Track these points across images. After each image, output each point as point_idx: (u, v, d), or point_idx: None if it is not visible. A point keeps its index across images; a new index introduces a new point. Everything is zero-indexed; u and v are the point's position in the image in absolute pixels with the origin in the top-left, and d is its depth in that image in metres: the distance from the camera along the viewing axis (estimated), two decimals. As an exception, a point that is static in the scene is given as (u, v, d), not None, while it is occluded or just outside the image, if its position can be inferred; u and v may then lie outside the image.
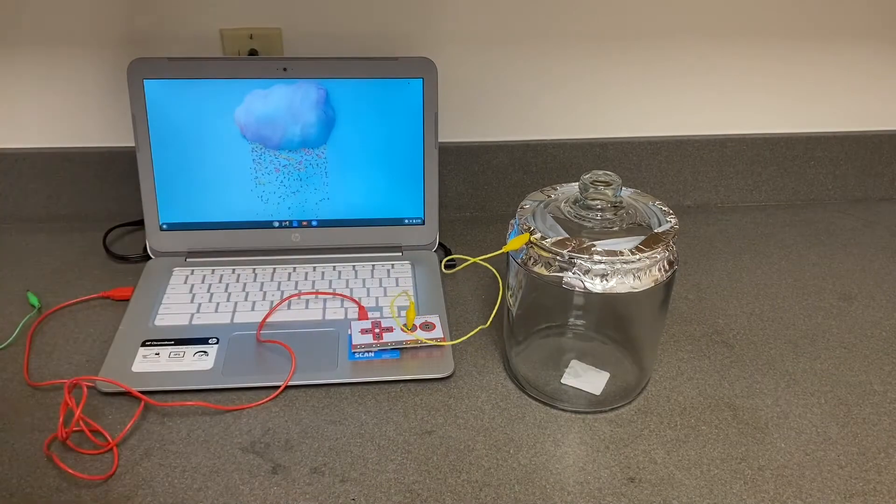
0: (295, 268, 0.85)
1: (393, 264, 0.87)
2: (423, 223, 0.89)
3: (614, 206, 0.65)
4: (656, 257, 0.61)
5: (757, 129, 1.04)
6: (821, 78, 1.02)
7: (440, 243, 0.92)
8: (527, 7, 0.92)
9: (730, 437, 0.65)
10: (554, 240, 0.61)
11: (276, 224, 0.87)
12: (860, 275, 0.91)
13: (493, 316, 0.79)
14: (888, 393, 0.71)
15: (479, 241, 0.95)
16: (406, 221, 0.89)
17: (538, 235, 0.62)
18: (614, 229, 0.64)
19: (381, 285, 0.83)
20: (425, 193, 0.88)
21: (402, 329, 0.74)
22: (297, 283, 0.83)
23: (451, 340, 0.75)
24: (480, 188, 1.02)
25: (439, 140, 0.87)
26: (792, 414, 0.68)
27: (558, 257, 0.61)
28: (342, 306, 0.79)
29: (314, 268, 0.86)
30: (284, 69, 0.82)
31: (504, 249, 0.65)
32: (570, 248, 0.60)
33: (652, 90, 1.00)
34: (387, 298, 0.81)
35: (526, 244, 0.63)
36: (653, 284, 0.61)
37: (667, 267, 0.63)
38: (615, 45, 0.96)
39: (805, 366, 0.75)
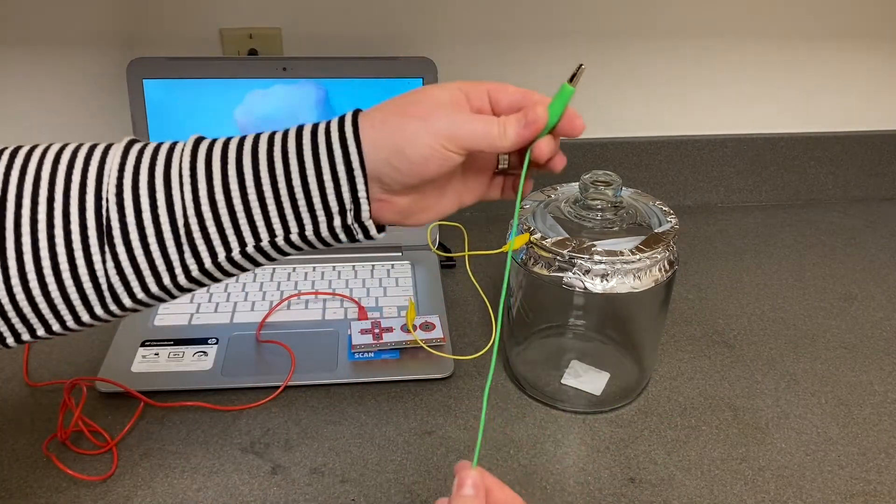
0: (294, 268, 0.85)
1: (393, 264, 0.87)
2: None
3: (614, 206, 0.65)
4: (656, 257, 0.61)
5: (757, 128, 1.04)
6: (821, 78, 1.02)
7: (440, 243, 0.92)
8: (527, 7, 0.92)
9: (730, 437, 0.65)
10: (554, 240, 0.61)
11: (276, 224, 0.87)
12: (861, 275, 0.91)
13: (494, 341, 0.79)
14: (889, 393, 0.71)
15: (479, 241, 0.95)
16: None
17: (538, 235, 0.62)
18: (614, 229, 0.63)
19: (380, 285, 0.83)
20: (425, 193, 0.88)
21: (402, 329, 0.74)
22: (296, 283, 0.83)
23: (457, 355, 0.75)
24: (480, 188, 1.01)
25: (439, 140, 0.87)
26: (792, 414, 0.68)
27: (558, 257, 0.61)
28: (342, 306, 0.79)
29: (314, 268, 0.86)
30: (284, 69, 0.82)
31: (504, 249, 0.65)
32: (570, 248, 0.60)
33: (652, 90, 1.00)
34: (387, 298, 0.81)
35: (526, 244, 0.63)
36: (653, 284, 0.61)
37: (667, 267, 0.63)
38: (615, 45, 0.96)
39: (806, 366, 0.75)
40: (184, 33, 0.89)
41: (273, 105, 0.83)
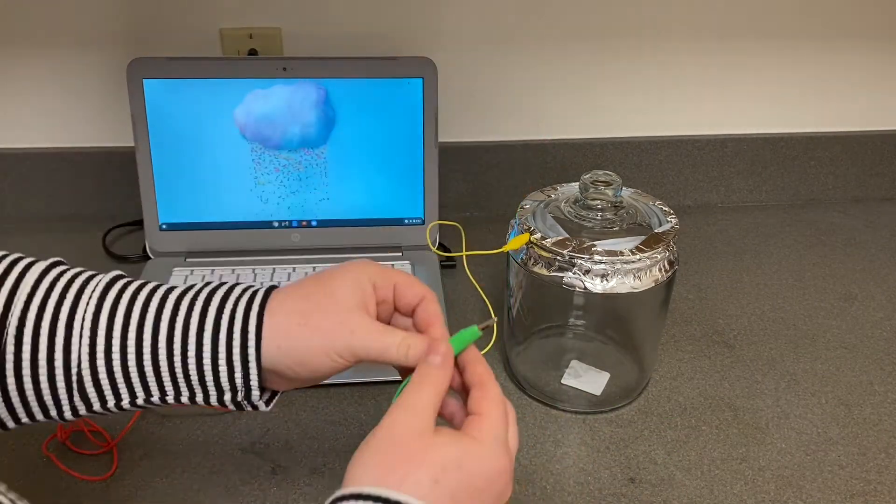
0: (295, 268, 0.85)
1: (393, 264, 0.86)
2: (423, 223, 0.89)
3: (614, 206, 0.65)
4: (657, 257, 0.61)
5: (757, 128, 1.04)
6: (821, 78, 1.02)
7: (440, 243, 0.92)
8: (527, 7, 0.92)
9: (730, 437, 0.65)
10: (554, 240, 0.61)
11: (276, 224, 0.87)
12: (861, 275, 0.91)
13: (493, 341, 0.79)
14: (889, 393, 0.71)
15: (479, 240, 0.95)
16: (406, 221, 0.89)
17: (538, 235, 0.62)
18: (614, 229, 0.63)
19: (380, 285, 0.83)
20: (425, 193, 0.88)
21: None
22: (296, 283, 0.83)
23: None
24: (480, 188, 1.01)
25: (439, 140, 0.87)
26: (792, 414, 0.68)
27: (558, 257, 0.61)
28: (342, 306, 0.79)
29: (314, 268, 0.85)
30: (284, 69, 0.82)
31: (504, 249, 0.65)
32: (570, 249, 0.60)
33: (652, 90, 1.00)
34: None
35: (526, 244, 0.63)
36: (653, 284, 0.61)
37: (667, 267, 0.63)
38: (615, 45, 0.96)
39: (806, 366, 0.75)
40: (184, 33, 0.89)
41: (273, 105, 0.83)
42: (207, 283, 0.45)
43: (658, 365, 0.74)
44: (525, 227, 0.64)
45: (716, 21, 0.96)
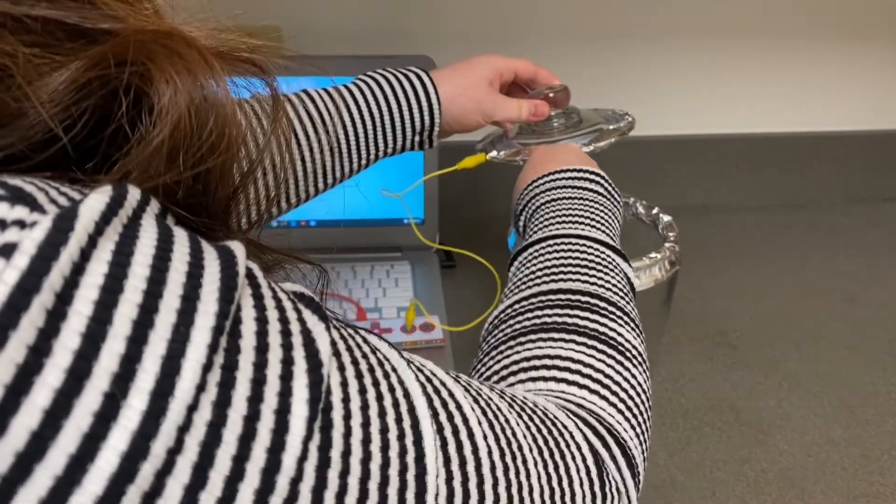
0: (294, 268, 0.85)
1: (392, 265, 0.86)
2: (423, 223, 0.88)
3: (566, 114, 0.66)
4: (656, 257, 0.61)
5: (759, 128, 1.04)
6: (822, 78, 1.02)
7: (440, 243, 0.91)
8: (527, 7, 0.91)
9: (732, 438, 0.65)
10: (509, 152, 0.64)
11: (275, 224, 0.87)
12: (864, 276, 0.90)
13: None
14: (892, 395, 0.71)
15: (478, 241, 0.94)
16: (406, 222, 0.88)
17: (493, 153, 0.65)
18: (568, 130, 0.66)
19: (380, 286, 0.82)
20: (425, 193, 0.87)
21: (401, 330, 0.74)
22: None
23: (451, 326, 0.74)
24: (480, 188, 1.01)
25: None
26: (795, 416, 0.68)
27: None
28: (341, 307, 0.79)
29: (313, 268, 0.85)
30: (284, 69, 0.81)
31: (458, 167, 0.66)
32: (522, 156, 0.63)
33: (653, 90, 0.99)
34: (386, 299, 0.80)
35: (482, 163, 0.65)
36: (653, 284, 0.61)
37: (667, 267, 0.62)
38: (615, 45, 0.95)
39: (808, 367, 0.74)
40: (183, 33, 0.89)
41: (272, 105, 0.82)
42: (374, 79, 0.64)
43: (660, 366, 0.74)
44: (481, 148, 0.66)
45: (716, 21, 0.95)
